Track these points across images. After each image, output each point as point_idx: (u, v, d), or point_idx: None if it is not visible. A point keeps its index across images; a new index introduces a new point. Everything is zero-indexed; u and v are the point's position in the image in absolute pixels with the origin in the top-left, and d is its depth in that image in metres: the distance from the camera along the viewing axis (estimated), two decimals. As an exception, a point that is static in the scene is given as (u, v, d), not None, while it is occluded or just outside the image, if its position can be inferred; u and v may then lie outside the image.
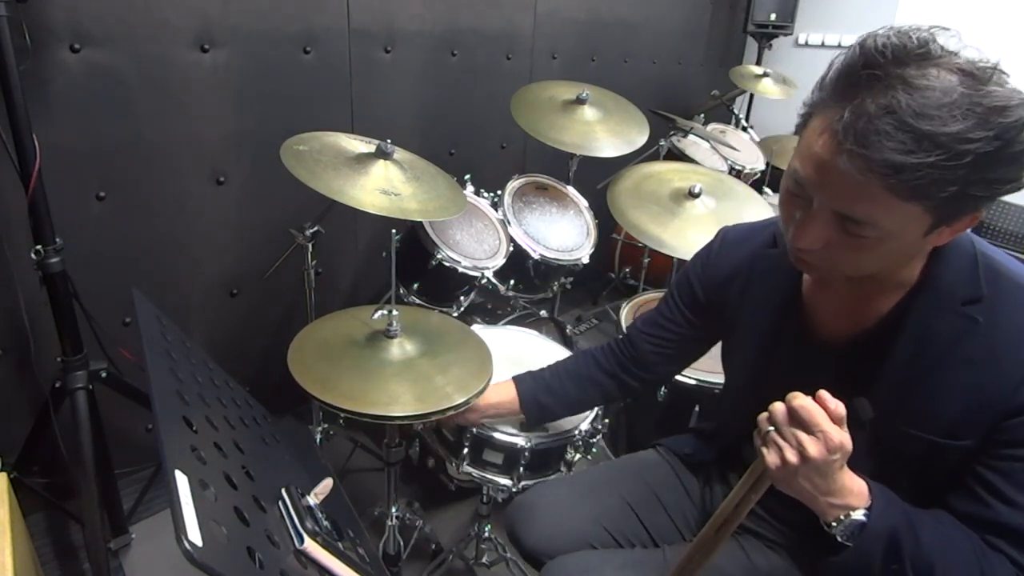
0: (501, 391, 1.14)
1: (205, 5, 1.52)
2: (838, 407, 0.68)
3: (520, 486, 1.27)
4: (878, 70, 0.61)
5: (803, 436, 0.68)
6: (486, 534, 1.54)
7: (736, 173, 2.58)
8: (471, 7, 2.09)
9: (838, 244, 0.69)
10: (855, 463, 0.74)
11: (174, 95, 1.53)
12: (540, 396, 1.13)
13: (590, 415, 1.35)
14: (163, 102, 1.52)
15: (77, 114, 1.40)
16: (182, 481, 0.55)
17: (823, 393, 0.68)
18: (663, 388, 1.51)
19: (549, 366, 1.18)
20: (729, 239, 1.02)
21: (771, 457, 0.70)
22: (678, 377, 1.50)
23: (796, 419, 0.69)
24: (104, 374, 1.37)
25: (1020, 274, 0.74)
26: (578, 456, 1.33)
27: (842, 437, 0.67)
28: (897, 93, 0.59)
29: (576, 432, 1.30)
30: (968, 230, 0.72)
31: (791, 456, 0.69)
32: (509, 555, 1.55)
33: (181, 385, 0.74)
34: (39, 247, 1.22)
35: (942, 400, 0.74)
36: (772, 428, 0.71)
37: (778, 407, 0.71)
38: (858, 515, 0.71)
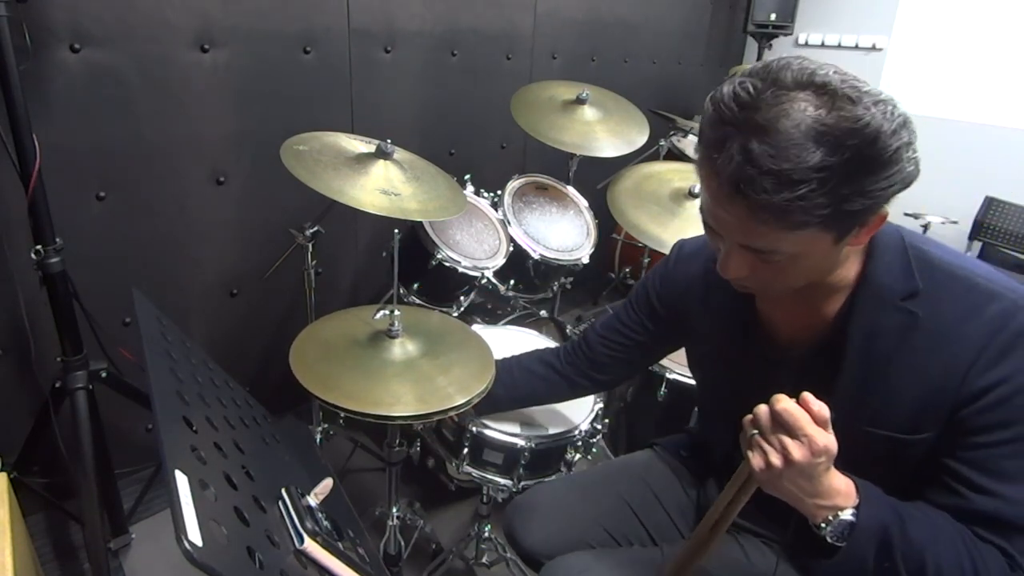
0: None
1: (205, 5, 1.52)
2: (822, 410, 0.67)
3: (520, 486, 1.27)
4: (731, 124, 0.64)
5: (787, 440, 0.67)
6: (486, 534, 1.54)
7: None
8: (471, 7, 2.09)
9: (760, 269, 0.72)
10: None
11: (174, 95, 1.53)
12: (492, 386, 1.15)
13: (590, 415, 1.35)
14: (163, 102, 1.52)
15: (77, 114, 1.40)
16: (182, 481, 0.55)
17: (807, 396, 0.68)
18: (663, 388, 1.51)
19: (505, 359, 1.21)
20: (684, 253, 1.04)
21: (756, 460, 0.70)
22: (678, 377, 1.50)
23: (780, 423, 0.68)
24: (104, 374, 1.36)
25: (952, 263, 0.76)
26: (578, 456, 1.33)
27: (827, 440, 0.67)
28: (751, 143, 0.62)
29: (576, 432, 1.30)
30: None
31: (775, 460, 0.68)
32: (509, 555, 1.55)
33: (181, 385, 0.74)
34: (39, 247, 1.22)
35: (897, 395, 0.76)
36: (756, 432, 0.71)
37: (762, 410, 0.70)
38: (847, 515, 0.71)
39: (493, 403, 1.17)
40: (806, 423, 0.67)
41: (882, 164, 0.62)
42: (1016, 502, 0.70)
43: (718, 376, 0.98)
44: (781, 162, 0.60)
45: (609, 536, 1.05)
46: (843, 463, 0.73)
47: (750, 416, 0.72)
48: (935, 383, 0.73)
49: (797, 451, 0.67)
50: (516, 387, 1.18)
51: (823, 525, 0.72)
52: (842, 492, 0.71)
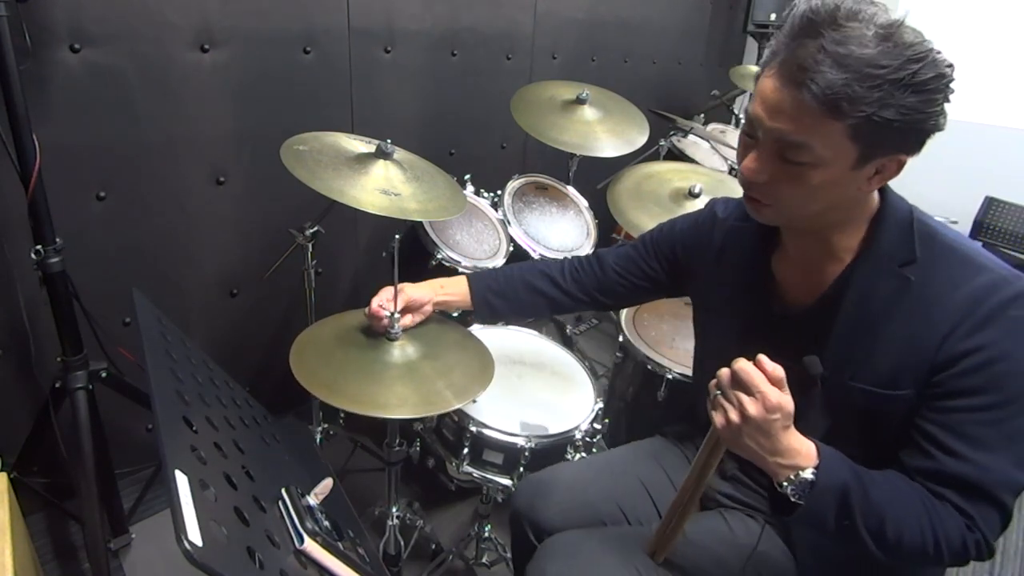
0: (455, 286, 1.19)
1: (205, 5, 1.52)
2: (775, 370, 0.73)
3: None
4: (813, 17, 0.71)
5: (743, 397, 0.74)
6: (486, 534, 1.54)
7: (736, 173, 2.57)
8: (471, 7, 2.09)
9: (780, 175, 0.76)
10: (811, 419, 0.83)
11: (174, 95, 1.53)
12: (490, 297, 1.19)
13: (590, 415, 1.35)
14: (163, 102, 1.52)
15: (77, 114, 1.40)
16: (182, 481, 0.55)
17: (762, 357, 0.74)
18: (663, 388, 1.51)
19: (505, 268, 1.23)
20: (716, 208, 1.08)
21: (718, 418, 0.77)
22: (678, 377, 1.50)
23: (737, 381, 0.74)
24: (104, 374, 1.36)
25: (953, 239, 0.81)
26: (578, 456, 1.33)
27: (780, 398, 0.73)
28: (826, 32, 0.69)
29: (576, 431, 1.30)
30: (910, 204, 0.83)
31: (733, 416, 0.74)
32: (509, 555, 1.55)
33: (181, 385, 0.74)
34: (39, 247, 1.22)
35: (881, 353, 0.81)
36: (719, 392, 0.77)
37: (723, 372, 0.77)
38: (807, 474, 0.75)
39: (491, 314, 1.20)
40: (760, 381, 0.73)
41: (922, 86, 0.67)
42: (983, 467, 0.74)
43: (725, 332, 1.02)
44: (842, 48, 0.67)
45: (623, 515, 1.07)
46: (829, 418, 0.84)
47: (715, 380, 0.78)
48: (917, 344, 0.78)
49: (752, 406, 0.73)
50: (519, 301, 1.19)
51: (785, 484, 0.76)
52: (802, 453, 0.76)
